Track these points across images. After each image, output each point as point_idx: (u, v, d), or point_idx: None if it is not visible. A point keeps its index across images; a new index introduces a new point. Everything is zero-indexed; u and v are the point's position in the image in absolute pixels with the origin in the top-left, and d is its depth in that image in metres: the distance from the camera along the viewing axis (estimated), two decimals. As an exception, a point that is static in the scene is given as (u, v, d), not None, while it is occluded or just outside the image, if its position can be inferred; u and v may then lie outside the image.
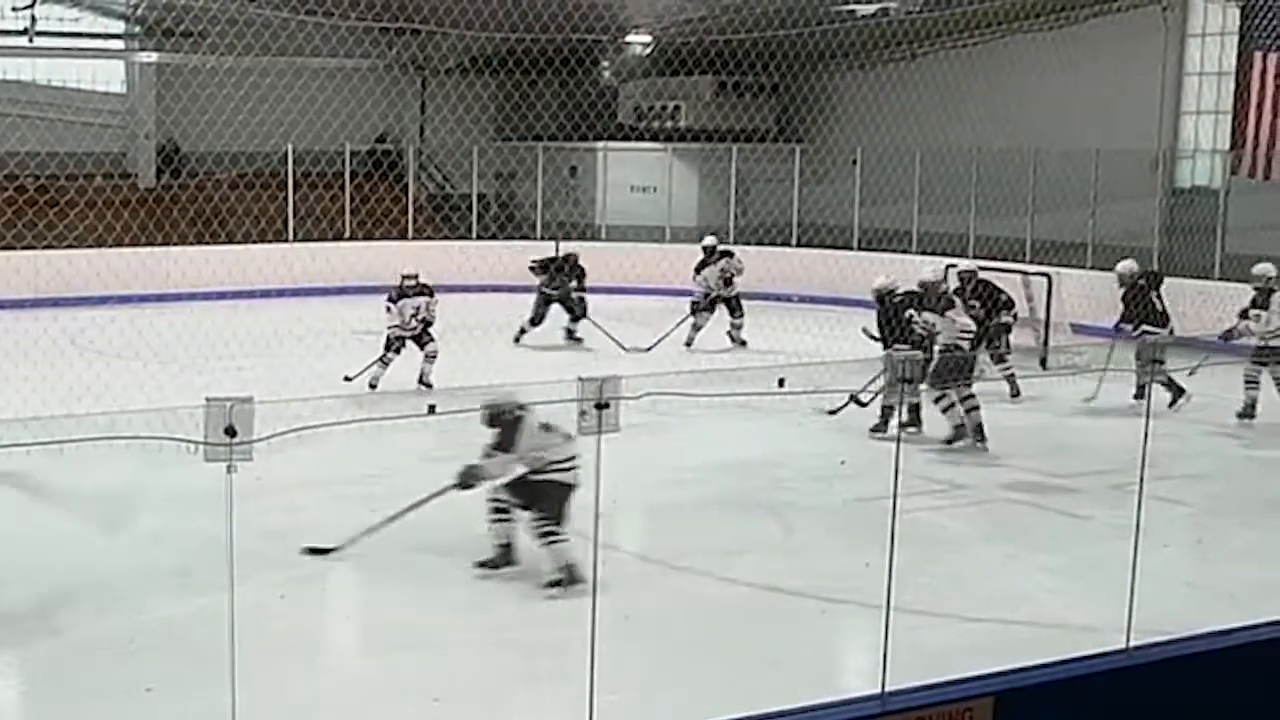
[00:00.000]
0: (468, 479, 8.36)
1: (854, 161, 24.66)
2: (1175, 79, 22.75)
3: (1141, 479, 6.51)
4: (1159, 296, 14.98)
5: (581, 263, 18.72)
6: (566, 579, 8.13)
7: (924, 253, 22.22)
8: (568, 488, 8.27)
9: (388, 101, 27.99)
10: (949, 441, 12.23)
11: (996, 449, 12.33)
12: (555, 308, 18.32)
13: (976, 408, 12.36)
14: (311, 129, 22.74)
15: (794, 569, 8.86)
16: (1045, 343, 16.77)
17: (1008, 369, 14.86)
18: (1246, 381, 13.74)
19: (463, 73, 28.53)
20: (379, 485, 10.38)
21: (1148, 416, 6.68)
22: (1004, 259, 20.27)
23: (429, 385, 14.28)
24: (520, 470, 8.36)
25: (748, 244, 23.66)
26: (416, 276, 14.99)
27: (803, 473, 11.45)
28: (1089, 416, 13.70)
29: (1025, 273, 17.84)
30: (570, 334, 18.51)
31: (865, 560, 7.68)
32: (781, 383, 13.02)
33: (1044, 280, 17.22)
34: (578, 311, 18.46)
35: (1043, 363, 16.59)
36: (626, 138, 28.56)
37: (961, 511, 10.49)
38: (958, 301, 13.53)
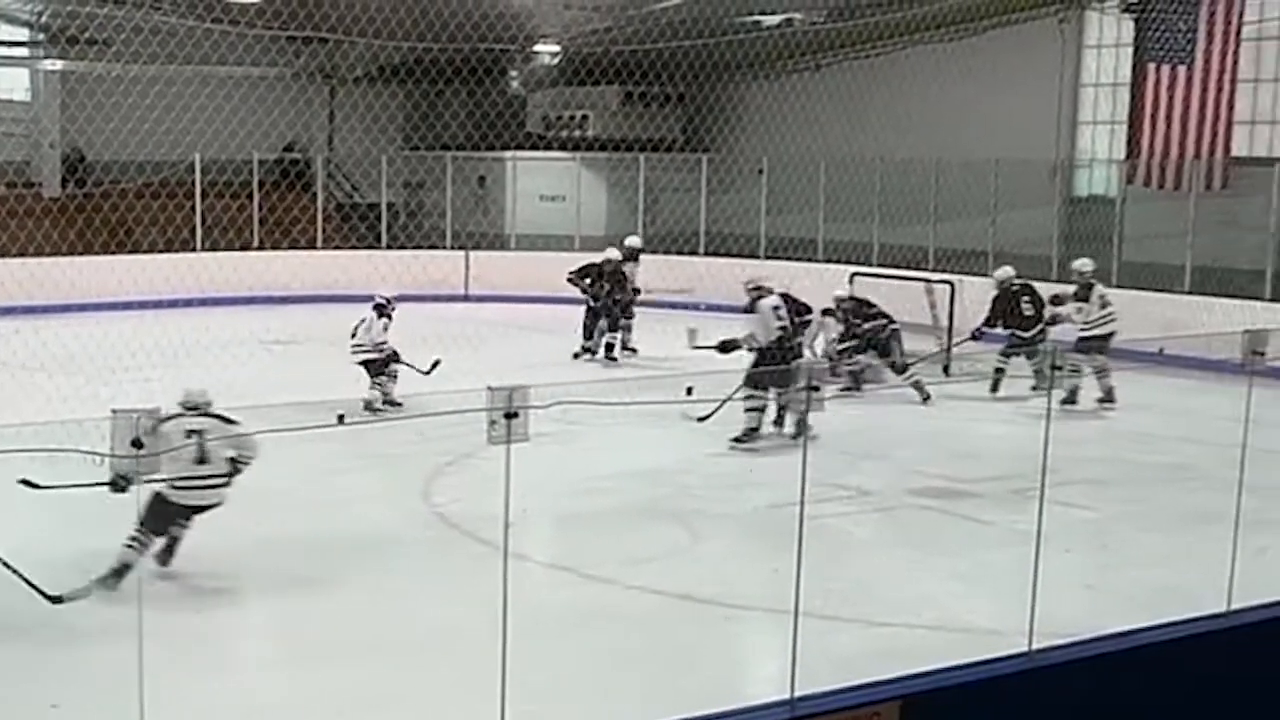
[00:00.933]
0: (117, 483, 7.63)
1: (760, 171, 24.77)
2: (1072, 90, 23.09)
3: (1043, 484, 6.56)
4: (1030, 303, 15.61)
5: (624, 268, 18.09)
6: (99, 584, 7.89)
7: (829, 261, 22.38)
8: (184, 508, 8.18)
9: (295, 110, 27.64)
10: (795, 436, 12.43)
11: (901, 455, 12.44)
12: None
13: (783, 407, 12.74)
14: (219, 138, 22.47)
15: (703, 576, 8.86)
16: (949, 349, 16.93)
17: (911, 377, 15.04)
18: (1070, 370, 14.20)
19: (370, 82, 28.32)
20: (290, 497, 10.26)
21: (1048, 422, 6.74)
22: (907, 267, 20.48)
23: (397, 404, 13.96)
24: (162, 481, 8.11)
25: (655, 252, 23.69)
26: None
27: (711, 480, 11.46)
28: (992, 422, 13.85)
29: (928, 280, 18.03)
30: (609, 349, 17.69)
31: (774, 566, 7.70)
32: (690, 391, 13.07)
33: (946, 288, 17.41)
34: (616, 323, 17.79)
35: (945, 369, 16.77)
36: (535, 147, 28.50)
37: (868, 517, 10.56)
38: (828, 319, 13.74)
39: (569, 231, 25.77)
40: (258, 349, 16.68)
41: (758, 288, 13.62)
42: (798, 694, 5.58)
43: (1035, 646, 6.10)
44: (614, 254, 18.23)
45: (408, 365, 14.31)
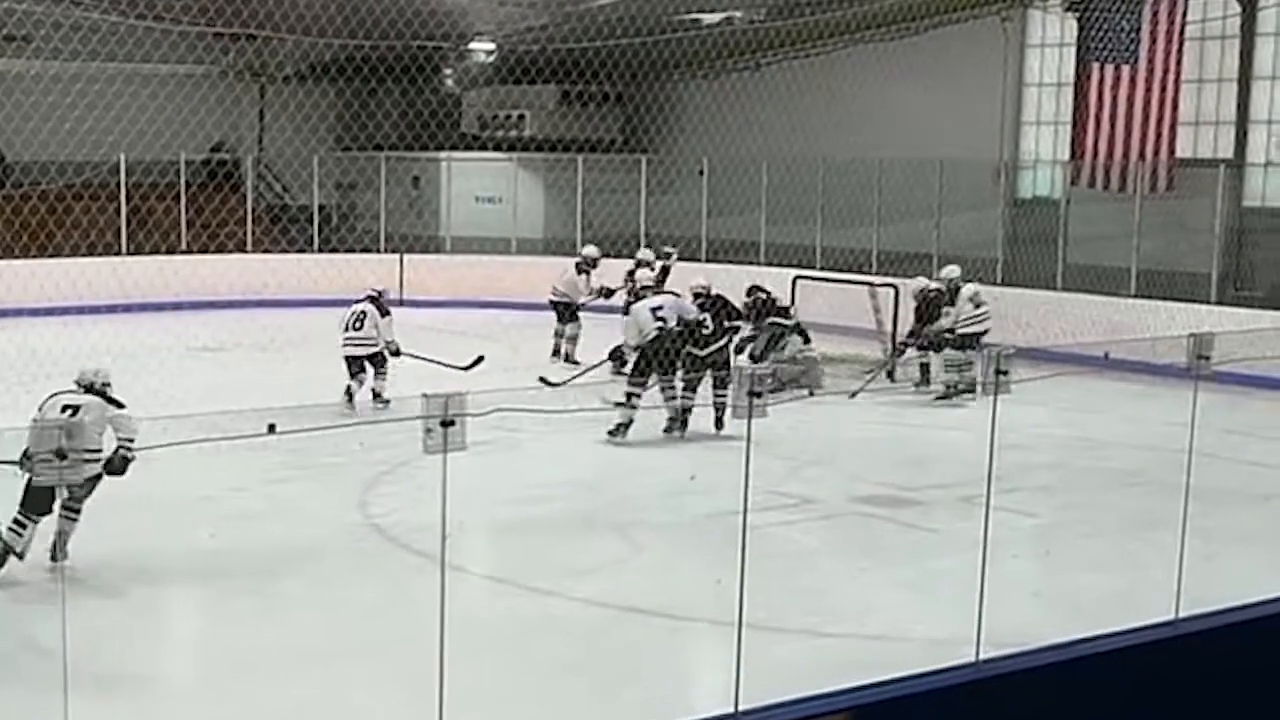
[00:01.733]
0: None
1: (700, 172, 24.82)
2: (1015, 90, 23.31)
3: (989, 491, 6.61)
4: (948, 313, 16.00)
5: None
6: None
7: (771, 264, 22.45)
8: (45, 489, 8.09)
9: (224, 109, 27.47)
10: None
11: (845, 461, 12.52)
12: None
13: (674, 398, 13.21)
14: (144, 138, 22.24)
15: (645, 587, 8.87)
16: (893, 354, 17.04)
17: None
18: (959, 366, 15.31)
19: (301, 80, 28.14)
20: (220, 507, 10.20)
21: (993, 428, 6.80)
22: (850, 270, 20.58)
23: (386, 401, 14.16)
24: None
25: (595, 255, 23.71)
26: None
27: (652, 489, 11.48)
28: (937, 428, 13.96)
29: (871, 284, 18.11)
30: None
31: (717, 577, 7.72)
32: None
33: (890, 292, 17.48)
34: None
35: (890, 375, 16.87)
36: (470, 147, 28.43)
37: (813, 525, 10.61)
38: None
39: (505, 234, 25.73)
40: (185, 356, 16.53)
41: (696, 293, 14.26)
42: (743, 707, 5.60)
43: (983, 656, 6.15)
44: (646, 254, 18.54)
45: (443, 364, 14.80)
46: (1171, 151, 20.47)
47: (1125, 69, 20.62)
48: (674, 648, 8.00)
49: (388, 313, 14.77)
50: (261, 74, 28.20)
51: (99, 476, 8.63)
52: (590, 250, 18.97)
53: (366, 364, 14.38)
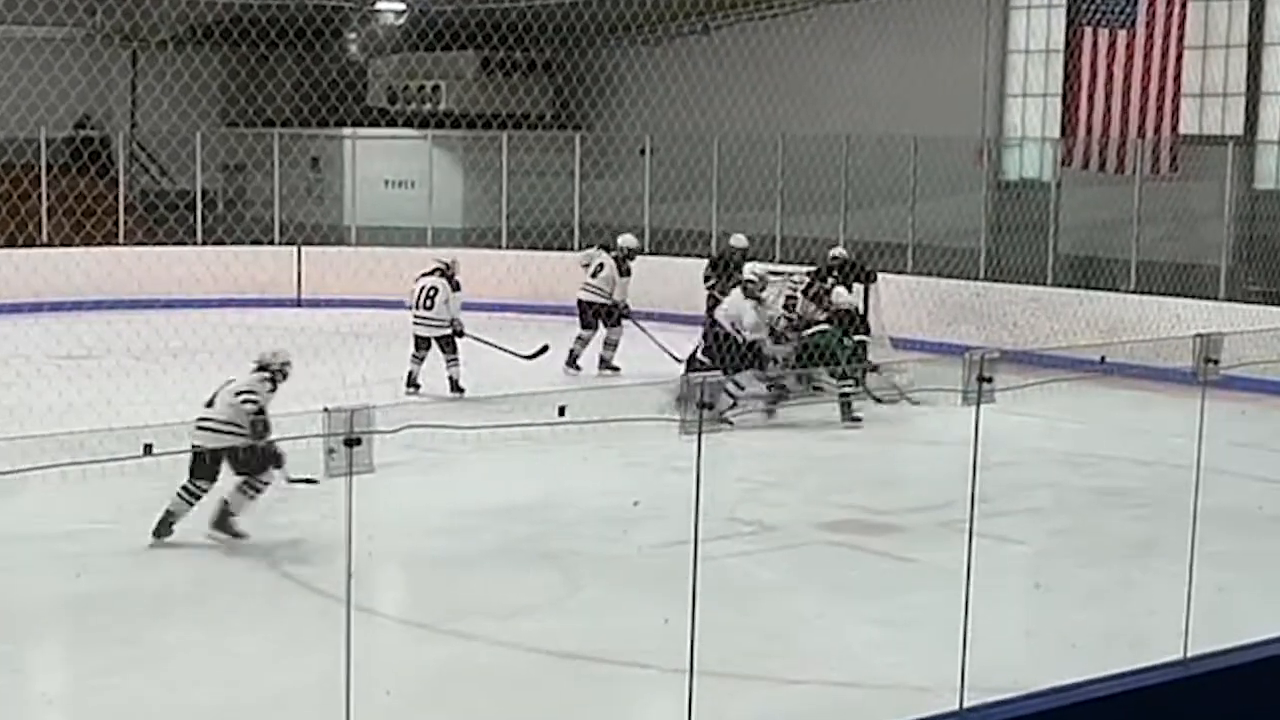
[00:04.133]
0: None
1: (643, 151, 24.87)
2: (999, 57, 23.49)
3: (971, 514, 6.66)
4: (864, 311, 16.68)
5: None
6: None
7: (724, 256, 22.49)
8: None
9: (90, 79, 27.22)
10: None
11: (809, 483, 12.57)
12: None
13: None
14: (-3, 111, 22.05)
15: (583, 629, 8.88)
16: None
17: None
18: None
19: (180, 45, 27.97)
20: (87, 543, 10.12)
21: (976, 442, 6.85)
22: (814, 263, 20.63)
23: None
24: None
25: (520, 248, 23.75)
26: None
27: (591, 515, 11.49)
28: (916, 445, 14.05)
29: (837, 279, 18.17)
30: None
31: (665, 617, 7.73)
32: (562, 411, 13.01)
33: (859, 287, 17.55)
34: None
35: (857, 382, 16.94)
36: (377, 123, 28.36)
37: (773, 557, 10.65)
38: None
39: (420, 223, 25.65)
40: (46, 365, 16.36)
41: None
42: (696, 766, 5.63)
43: (968, 704, 6.19)
44: (739, 241, 18.71)
45: (503, 349, 15.85)
46: (1174, 128, 20.66)
47: (1122, 34, 20.81)
48: (617, 699, 8.01)
49: (458, 287, 15.76)
50: (133, 38, 28.00)
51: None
52: (630, 240, 18.65)
53: (436, 346, 15.43)
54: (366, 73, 29.02)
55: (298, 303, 23.84)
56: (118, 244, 24.39)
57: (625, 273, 18.03)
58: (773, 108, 23.52)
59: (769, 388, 15.31)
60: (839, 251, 18.08)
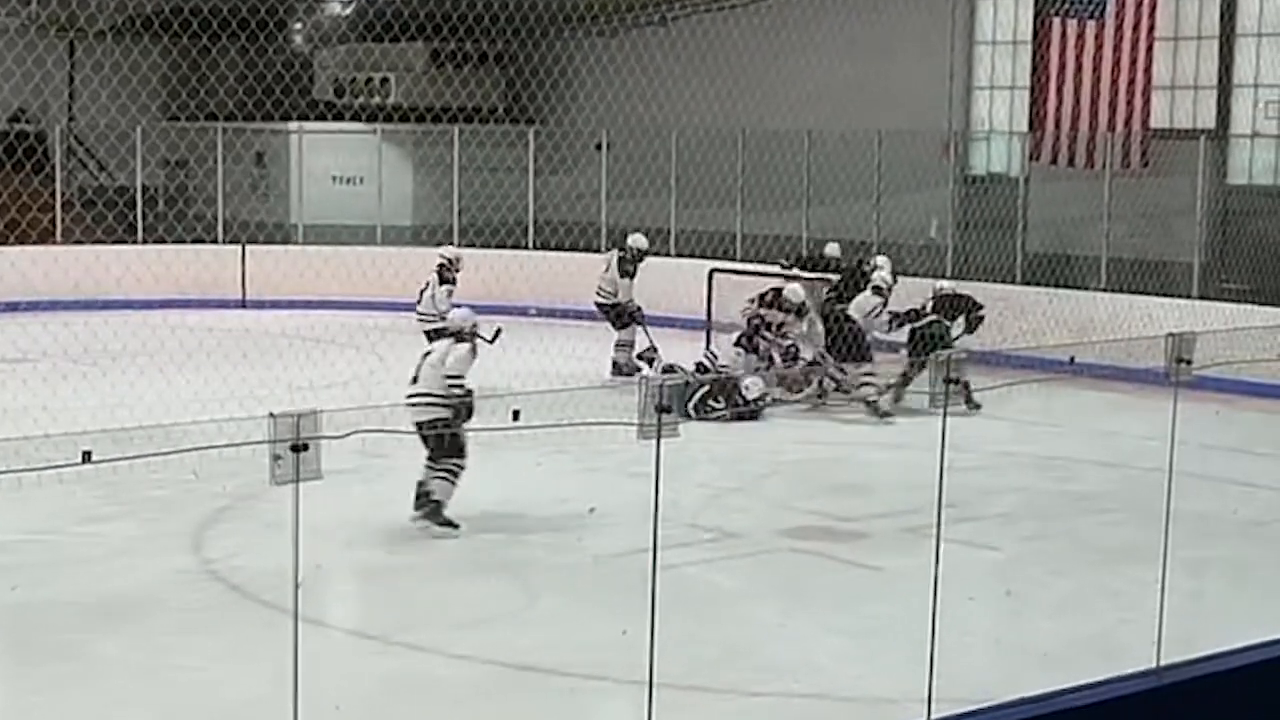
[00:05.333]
0: None
1: (599, 146, 24.86)
2: (966, 48, 23.56)
3: (939, 520, 6.68)
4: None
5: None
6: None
7: (683, 255, 22.54)
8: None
9: (24, 71, 27.04)
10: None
11: (772, 488, 12.58)
12: None
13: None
14: (-74, 105, 21.91)
15: (539, 641, 8.87)
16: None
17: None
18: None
19: (119, 36, 27.80)
20: (23, 553, 10.05)
21: (943, 446, 6.87)
22: (775, 261, 20.66)
23: None
24: None
25: (473, 245, 23.64)
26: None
27: (546, 523, 11.47)
28: (878, 447, 14.07)
29: (802, 278, 18.19)
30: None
31: (623, 628, 7.74)
32: (516, 415, 13.00)
33: (823, 286, 17.55)
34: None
35: (822, 384, 16.97)
36: (324, 117, 28.27)
37: (735, 565, 10.65)
38: None
39: (369, 220, 25.60)
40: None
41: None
42: (656, 782, 5.63)
43: (936, 715, 6.21)
44: (833, 250, 18.61)
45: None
46: (1145, 121, 20.79)
47: (1091, 24, 20.92)
48: (575, 712, 8.00)
49: (447, 282, 16.26)
50: (70, 28, 27.82)
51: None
52: (639, 240, 18.41)
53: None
54: (312, 65, 28.94)
55: (242, 303, 23.74)
56: (54, 243, 24.25)
57: (628, 274, 17.95)
58: (732, 102, 23.54)
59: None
60: (833, 249, 18.40)
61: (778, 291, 16.66)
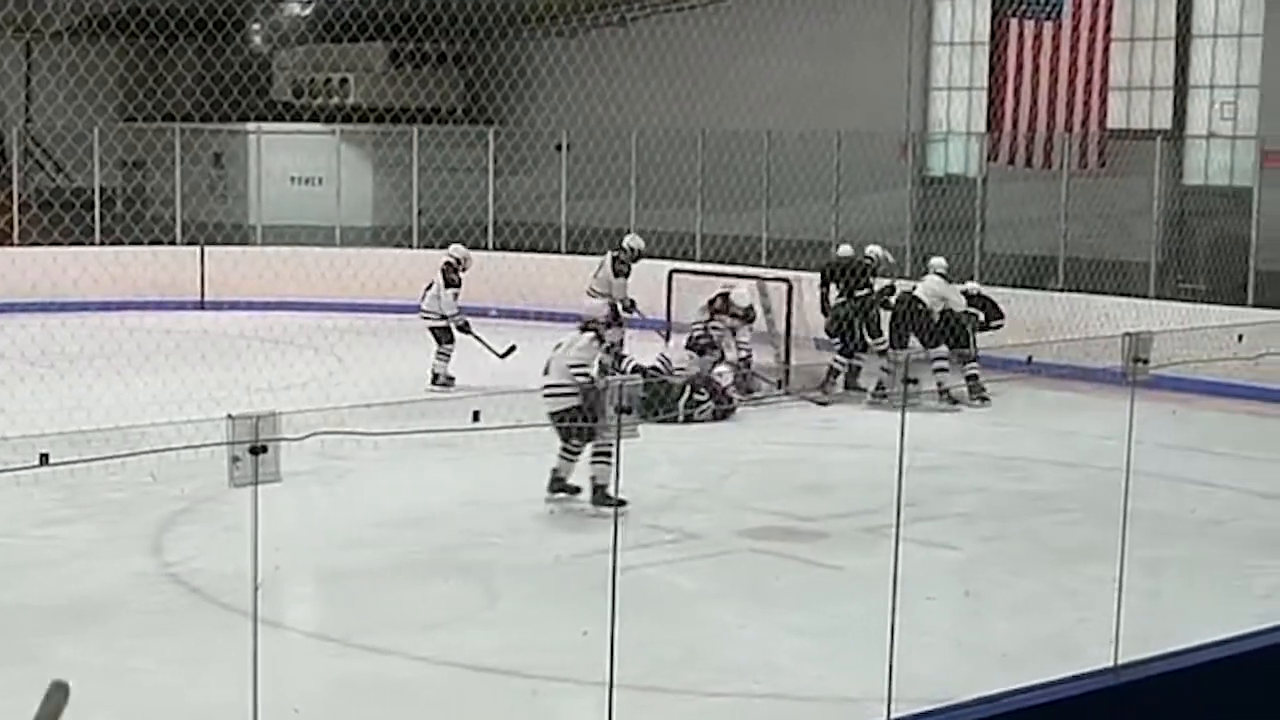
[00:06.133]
0: None
1: (559, 146, 24.85)
2: (923, 49, 23.66)
3: (898, 520, 6.70)
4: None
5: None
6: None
7: (643, 256, 22.47)
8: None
9: (-20, 72, 26.97)
10: None
11: (731, 489, 12.59)
12: None
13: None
14: (-118, 107, 21.74)
15: (500, 643, 8.85)
16: (786, 360, 17.18)
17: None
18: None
19: (75, 36, 27.68)
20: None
21: (902, 447, 6.89)
22: (736, 262, 20.71)
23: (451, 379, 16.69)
24: None
25: (432, 247, 23.59)
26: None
27: (507, 525, 11.46)
28: (838, 447, 14.11)
29: (761, 278, 18.23)
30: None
31: (583, 629, 7.74)
32: (476, 416, 12.98)
33: (783, 286, 17.59)
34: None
35: (780, 384, 17.02)
36: (282, 118, 28.17)
37: (695, 565, 10.65)
38: None
39: (328, 221, 25.51)
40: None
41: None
42: (617, 782, 5.63)
43: (895, 715, 6.23)
44: (847, 250, 18.33)
45: (480, 341, 16.66)
46: (1102, 122, 20.88)
47: (1048, 26, 20.99)
48: (536, 714, 7.99)
49: (451, 283, 16.70)
50: (26, 28, 27.64)
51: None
52: (636, 240, 18.31)
53: (431, 337, 16.60)
54: (271, 65, 28.82)
55: (201, 305, 23.65)
56: (11, 244, 24.13)
57: (620, 273, 17.89)
58: (692, 103, 23.55)
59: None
60: (846, 250, 18.18)
61: (725, 296, 16.54)
